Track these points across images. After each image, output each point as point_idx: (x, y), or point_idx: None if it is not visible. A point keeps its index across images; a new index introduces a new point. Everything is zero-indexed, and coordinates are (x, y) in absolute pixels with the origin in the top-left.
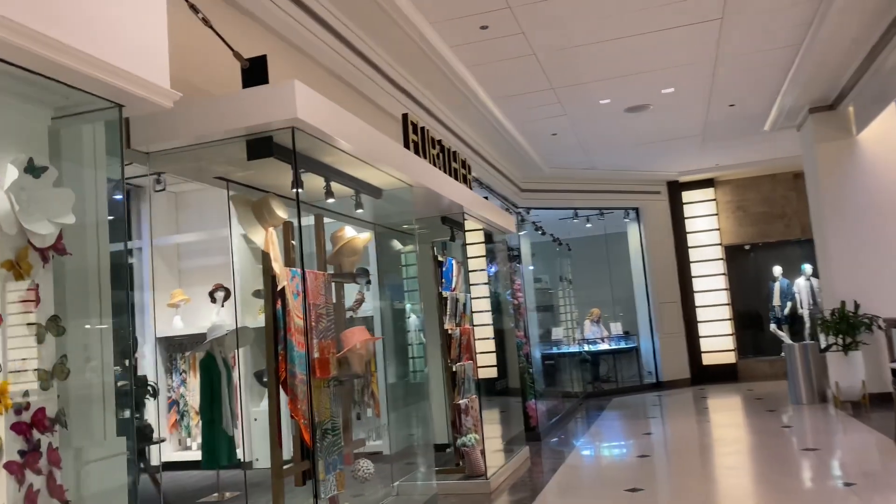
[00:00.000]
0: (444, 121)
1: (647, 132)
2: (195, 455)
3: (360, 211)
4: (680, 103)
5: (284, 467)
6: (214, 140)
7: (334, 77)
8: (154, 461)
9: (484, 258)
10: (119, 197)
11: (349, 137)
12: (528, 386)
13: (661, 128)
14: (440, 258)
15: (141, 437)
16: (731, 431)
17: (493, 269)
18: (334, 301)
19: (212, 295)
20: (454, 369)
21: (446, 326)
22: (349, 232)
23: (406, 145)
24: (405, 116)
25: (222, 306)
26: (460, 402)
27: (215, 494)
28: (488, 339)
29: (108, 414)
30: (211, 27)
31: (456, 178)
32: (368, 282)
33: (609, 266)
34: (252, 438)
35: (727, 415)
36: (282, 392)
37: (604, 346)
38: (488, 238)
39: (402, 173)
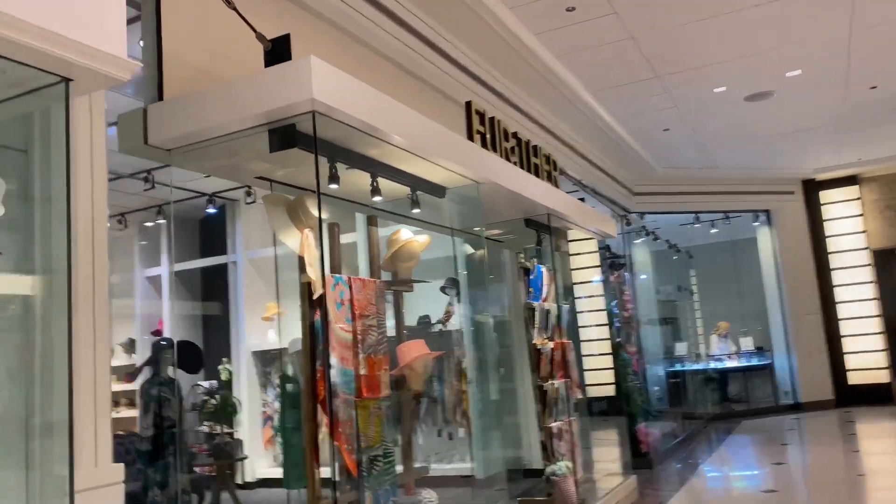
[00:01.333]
0: (535, 116)
1: (773, 124)
2: None
3: (416, 211)
4: (809, 88)
5: (322, 501)
6: (234, 131)
7: (408, 74)
8: (247, 478)
9: (598, 267)
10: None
11: (390, 125)
12: (638, 407)
13: (789, 118)
14: (528, 265)
15: (221, 453)
16: (885, 462)
17: (597, 279)
18: (389, 311)
19: None
20: (544, 388)
21: (535, 341)
22: (405, 234)
23: (470, 137)
24: (468, 104)
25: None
26: (553, 424)
27: None
28: (602, 354)
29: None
30: (234, 7)
31: (538, 175)
32: (458, 293)
33: (737, 275)
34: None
35: (881, 443)
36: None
37: (733, 363)
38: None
39: (464, 167)
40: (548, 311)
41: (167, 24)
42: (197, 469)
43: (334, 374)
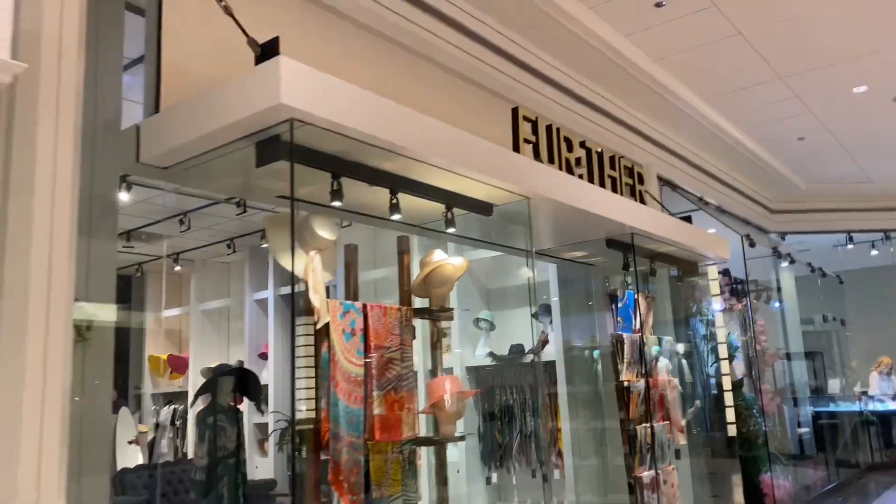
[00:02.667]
0: (635, 125)
1: None
2: None
3: (452, 230)
4: None
5: None
6: (222, 144)
7: (489, 92)
8: None
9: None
10: None
11: (394, 133)
12: (763, 454)
13: None
14: (618, 292)
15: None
16: None
17: (716, 309)
18: (415, 343)
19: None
20: (631, 431)
21: (623, 377)
22: (438, 256)
23: (515, 147)
24: (515, 111)
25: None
26: (643, 473)
27: None
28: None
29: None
30: (230, 14)
31: (615, 190)
32: (550, 321)
33: None
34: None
35: None
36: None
37: None
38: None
39: (503, 181)
40: (642, 344)
41: (168, 29)
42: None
43: (337, 413)
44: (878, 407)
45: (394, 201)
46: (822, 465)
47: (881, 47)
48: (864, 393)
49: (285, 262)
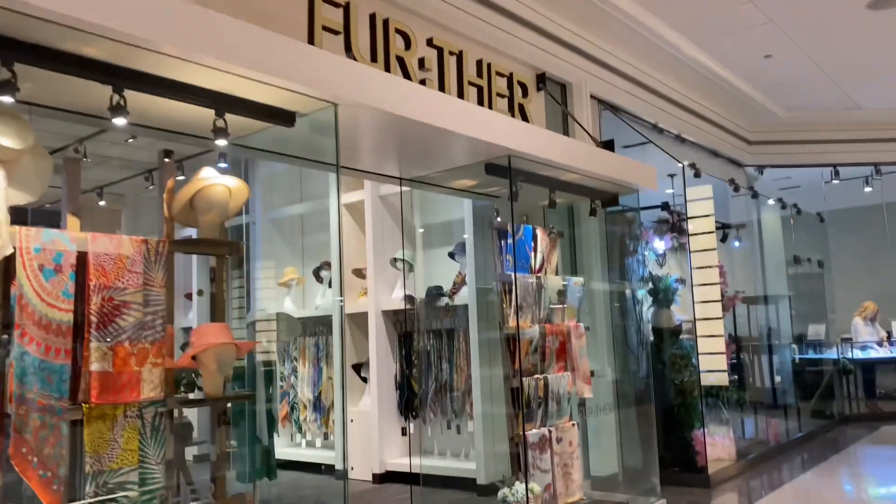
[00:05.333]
0: (564, 37)
1: None
2: (306, 453)
3: (222, 142)
4: None
5: None
6: None
7: None
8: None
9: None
10: None
11: (72, 4)
12: (694, 411)
13: None
14: (508, 227)
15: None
16: None
17: (658, 249)
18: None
19: (317, 273)
20: (515, 384)
21: (511, 323)
22: (207, 174)
23: (310, 38)
24: None
25: (329, 286)
26: (531, 431)
27: None
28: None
29: None
30: None
31: (485, 103)
32: (452, 254)
33: (891, 244)
34: (347, 443)
35: None
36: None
37: (882, 353)
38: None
39: (284, 79)
40: (541, 287)
41: None
42: None
43: (23, 370)
44: (860, 355)
45: (118, 101)
46: (795, 416)
47: None
48: (847, 340)
49: None
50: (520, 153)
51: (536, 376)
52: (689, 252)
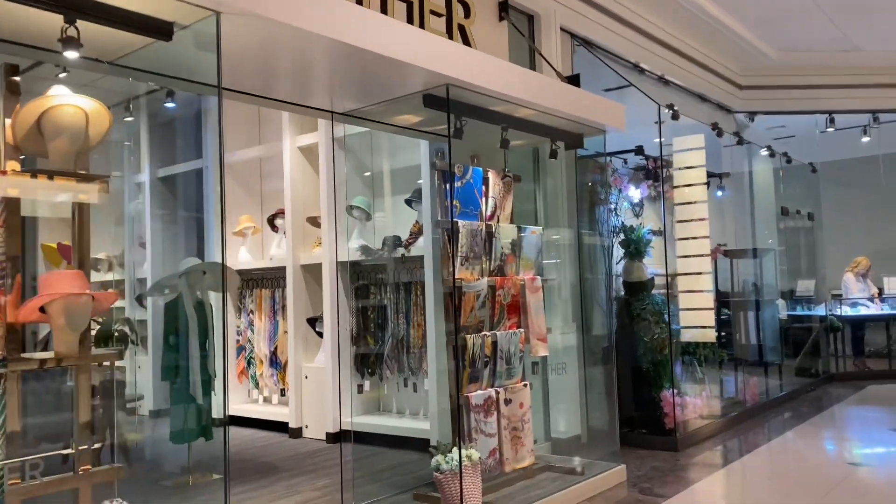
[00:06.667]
0: None
1: None
2: (262, 410)
3: (72, 54)
4: None
5: None
6: None
7: None
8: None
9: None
10: None
11: None
12: (663, 367)
13: None
14: (450, 168)
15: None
16: None
17: (633, 197)
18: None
19: (272, 222)
20: (459, 342)
21: (459, 275)
22: (56, 92)
23: None
24: None
25: (285, 235)
26: (475, 393)
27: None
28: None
29: None
30: None
31: (416, 22)
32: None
33: (886, 198)
34: (302, 401)
35: None
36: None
37: (871, 310)
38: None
39: None
40: (491, 235)
41: None
42: None
43: None
44: (850, 312)
45: None
46: (777, 375)
47: None
48: (837, 296)
49: None
50: (460, 82)
51: (484, 333)
52: (673, 202)
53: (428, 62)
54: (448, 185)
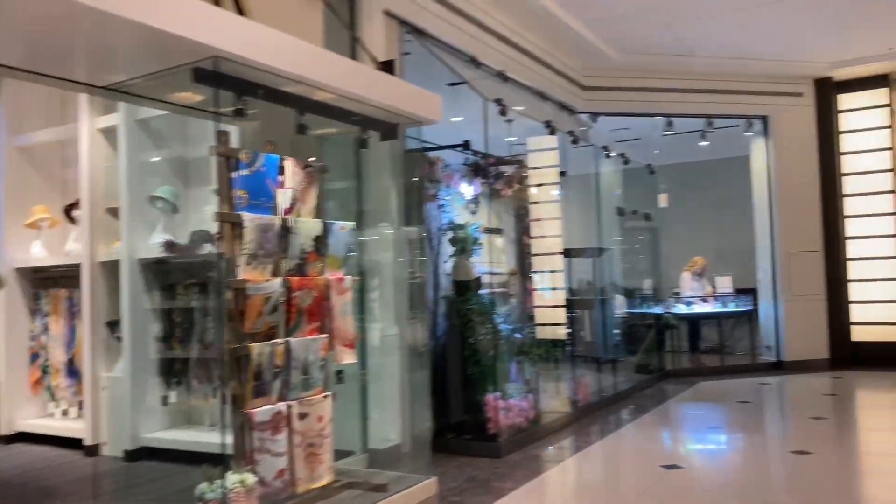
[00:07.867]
0: None
1: None
2: (57, 426)
3: None
4: None
5: None
6: None
7: None
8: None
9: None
10: None
11: None
12: (488, 369)
13: None
14: (241, 156)
15: None
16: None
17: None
18: None
19: (69, 213)
20: (241, 352)
21: (243, 276)
22: None
23: None
24: None
25: None
26: (259, 409)
27: None
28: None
29: None
30: None
31: None
32: None
33: (721, 200)
34: (100, 413)
35: (867, 414)
36: None
37: (706, 308)
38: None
39: None
40: (287, 230)
41: None
42: None
43: None
44: (686, 310)
45: None
46: (612, 373)
47: None
48: (676, 294)
49: None
50: (230, 55)
51: (275, 341)
52: (516, 200)
53: (187, 30)
54: (234, 175)
